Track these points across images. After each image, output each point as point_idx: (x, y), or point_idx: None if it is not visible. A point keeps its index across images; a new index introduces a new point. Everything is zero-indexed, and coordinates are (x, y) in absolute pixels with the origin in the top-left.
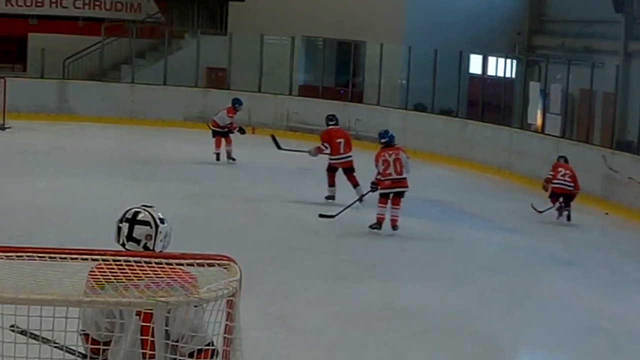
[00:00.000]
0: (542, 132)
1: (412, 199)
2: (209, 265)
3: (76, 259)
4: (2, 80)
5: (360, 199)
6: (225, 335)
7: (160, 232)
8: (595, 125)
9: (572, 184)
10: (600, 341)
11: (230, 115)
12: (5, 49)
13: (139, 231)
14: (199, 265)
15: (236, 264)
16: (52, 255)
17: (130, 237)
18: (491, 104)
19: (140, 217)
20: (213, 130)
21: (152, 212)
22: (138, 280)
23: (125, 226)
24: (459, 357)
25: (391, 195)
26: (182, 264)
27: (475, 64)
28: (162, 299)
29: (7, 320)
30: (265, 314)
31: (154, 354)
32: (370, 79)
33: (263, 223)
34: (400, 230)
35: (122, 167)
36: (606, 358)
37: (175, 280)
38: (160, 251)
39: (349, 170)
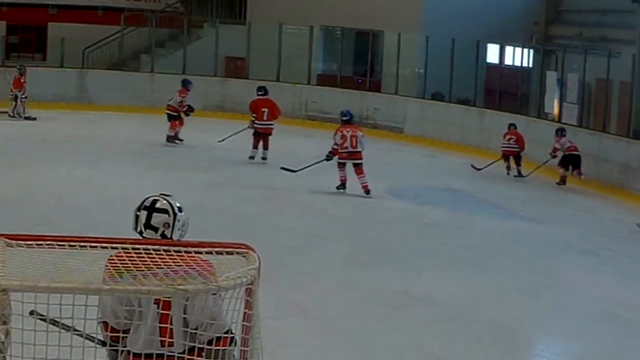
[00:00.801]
0: (559, 121)
1: (430, 188)
2: (228, 253)
3: (96, 247)
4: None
5: (320, 162)
6: (244, 323)
7: (178, 221)
8: (611, 115)
9: (517, 146)
10: (616, 328)
11: (182, 95)
12: (25, 38)
13: (157, 219)
14: (218, 253)
15: (255, 252)
16: (72, 244)
17: (148, 225)
18: (508, 93)
19: (158, 205)
20: (168, 114)
21: (170, 201)
22: (157, 268)
23: (143, 214)
24: (475, 345)
25: (352, 166)
26: (200, 252)
27: (492, 53)
28: (181, 287)
29: (28, 307)
30: (283, 302)
31: (172, 342)
32: (388, 69)
33: (282, 211)
34: (418, 218)
35: (142, 156)
36: (622, 345)
37: (194, 268)
38: (178, 240)
39: (267, 135)
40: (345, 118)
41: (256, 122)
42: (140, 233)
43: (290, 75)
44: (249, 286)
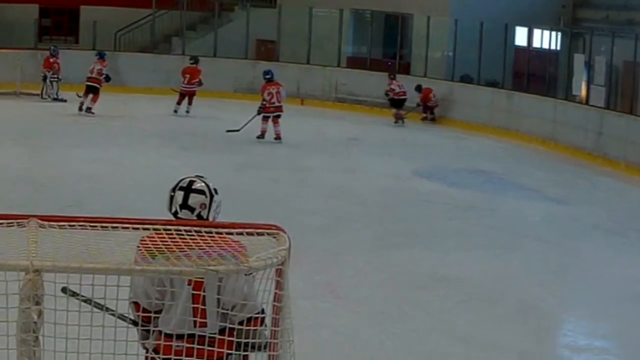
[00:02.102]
0: (587, 103)
1: (458, 169)
2: (259, 234)
3: (127, 228)
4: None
5: (254, 117)
6: (275, 303)
7: (214, 202)
8: (638, 97)
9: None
10: None
11: (104, 66)
12: (57, 21)
13: (194, 199)
14: (249, 234)
15: (285, 233)
16: (104, 225)
17: (185, 205)
18: (536, 75)
19: (196, 186)
20: (90, 86)
21: (207, 182)
22: (190, 249)
23: (180, 194)
24: (503, 325)
25: (271, 117)
26: (231, 234)
27: (520, 36)
28: (213, 267)
29: (60, 288)
30: (312, 283)
31: (205, 322)
32: (417, 51)
33: (311, 193)
34: (446, 199)
35: (173, 138)
36: None
37: (226, 249)
38: (208, 220)
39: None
40: (267, 76)
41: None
42: (175, 214)
43: (320, 58)
44: (280, 267)
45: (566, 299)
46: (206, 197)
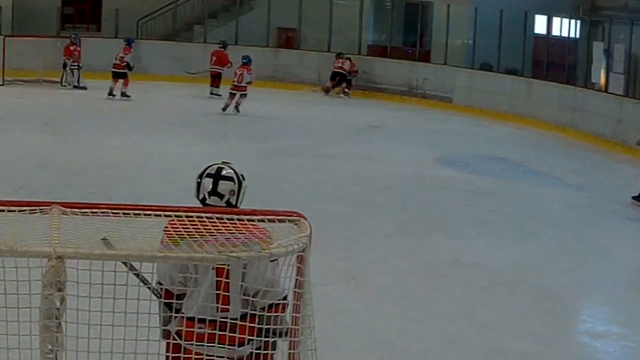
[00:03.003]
0: (606, 90)
1: (478, 156)
2: (280, 221)
3: (149, 215)
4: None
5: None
6: (296, 289)
7: (242, 188)
8: None
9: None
10: None
11: (126, 52)
12: (80, 9)
13: (223, 186)
14: (270, 221)
15: (306, 220)
16: (126, 212)
17: (214, 192)
18: (556, 63)
19: (224, 172)
20: (113, 72)
21: (234, 168)
22: (216, 235)
23: (208, 181)
24: (523, 311)
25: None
26: (253, 220)
27: (540, 24)
28: (234, 254)
29: (83, 275)
30: (334, 269)
31: (227, 308)
32: (438, 39)
33: (332, 180)
34: (466, 186)
35: (195, 125)
36: None
37: (250, 236)
38: (237, 207)
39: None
40: (244, 61)
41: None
42: (203, 200)
43: (341, 45)
44: (301, 253)
45: (585, 285)
46: (234, 183)
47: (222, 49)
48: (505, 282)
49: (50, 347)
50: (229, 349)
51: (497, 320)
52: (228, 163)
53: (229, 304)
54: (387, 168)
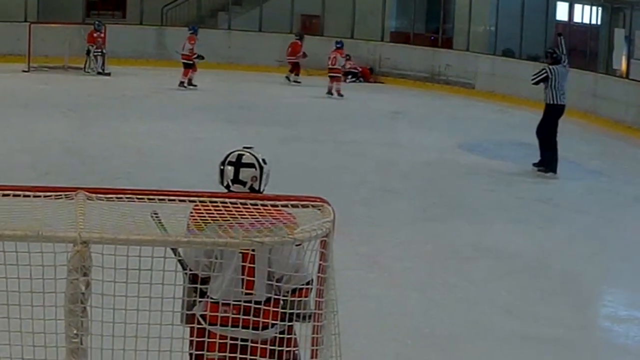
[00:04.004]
0: (627, 77)
1: (500, 142)
2: (303, 206)
3: (174, 200)
4: (104, 27)
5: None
6: (319, 274)
7: (264, 173)
8: None
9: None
10: None
11: (192, 42)
12: None
13: (244, 174)
14: (294, 206)
15: (329, 205)
16: (151, 197)
17: (236, 180)
18: (577, 49)
19: (244, 159)
20: (184, 63)
21: (255, 154)
22: (242, 219)
23: (230, 169)
24: (545, 296)
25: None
26: (276, 206)
27: (561, 11)
28: (258, 239)
29: (108, 260)
30: (356, 254)
31: (252, 292)
32: (460, 26)
33: (355, 165)
34: (489, 171)
35: (219, 111)
36: None
37: (276, 221)
38: (262, 192)
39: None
40: (337, 45)
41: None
42: (227, 187)
43: (364, 32)
44: (324, 238)
45: (607, 270)
46: (256, 169)
47: (297, 40)
48: (527, 267)
49: (75, 332)
50: (253, 332)
51: (519, 305)
52: (249, 148)
53: (253, 288)
54: (410, 154)
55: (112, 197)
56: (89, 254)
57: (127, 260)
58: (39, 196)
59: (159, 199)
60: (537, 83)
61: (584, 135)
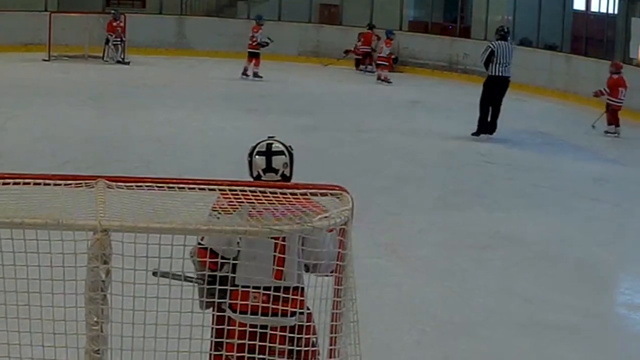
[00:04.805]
0: None
1: (518, 131)
2: (322, 194)
3: (193, 188)
4: (123, 16)
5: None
6: (338, 262)
7: (292, 159)
8: None
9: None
10: None
11: (255, 30)
12: None
13: (277, 162)
14: (313, 195)
15: (348, 193)
16: (170, 185)
17: (269, 169)
18: (594, 39)
19: (274, 148)
20: (249, 52)
21: (281, 142)
22: (266, 209)
23: (261, 159)
24: (562, 284)
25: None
26: (295, 194)
27: (579, 0)
28: (277, 227)
29: (128, 248)
30: (375, 242)
31: (282, 277)
32: (478, 15)
33: (374, 154)
34: (506, 160)
35: (238, 100)
36: None
37: (308, 209)
38: (291, 178)
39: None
40: (388, 35)
41: None
42: (258, 177)
43: (382, 21)
44: (343, 226)
45: (624, 257)
46: (286, 156)
47: (370, 31)
48: (544, 254)
49: (95, 319)
50: (273, 318)
51: (536, 292)
52: (273, 137)
53: (281, 277)
54: (428, 142)
55: (132, 186)
56: (109, 242)
57: (147, 248)
58: (59, 185)
59: (179, 187)
60: (487, 61)
61: (600, 124)
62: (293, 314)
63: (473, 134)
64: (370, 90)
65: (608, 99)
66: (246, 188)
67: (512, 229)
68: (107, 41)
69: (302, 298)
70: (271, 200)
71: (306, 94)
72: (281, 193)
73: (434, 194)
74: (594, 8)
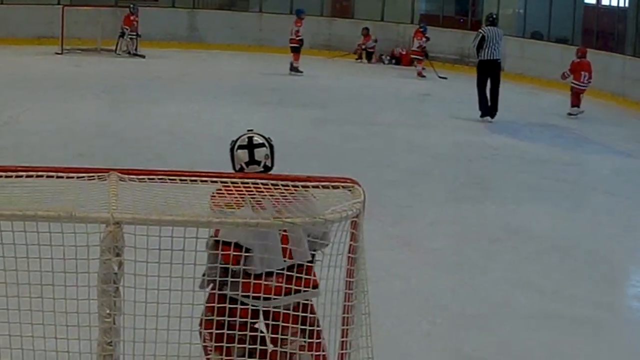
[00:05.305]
0: None
1: (529, 124)
2: (334, 187)
3: (206, 181)
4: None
5: None
6: (350, 254)
7: (273, 150)
8: None
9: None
10: None
11: (298, 25)
12: None
13: (259, 154)
14: (324, 187)
15: (360, 186)
16: (183, 178)
17: (252, 161)
18: (605, 32)
19: (255, 140)
20: (292, 47)
21: (262, 134)
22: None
23: (244, 152)
24: (574, 276)
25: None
26: (307, 187)
27: None
28: (290, 219)
29: (140, 240)
30: (386, 235)
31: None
32: (489, 8)
33: (385, 147)
34: (518, 153)
35: (250, 93)
36: None
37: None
38: (272, 168)
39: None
40: (421, 29)
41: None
42: (241, 170)
43: (394, 14)
44: (355, 219)
45: (635, 250)
46: (267, 148)
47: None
48: (556, 247)
49: (108, 312)
50: (286, 297)
51: (548, 285)
52: (252, 130)
53: (293, 254)
54: (439, 135)
55: (144, 178)
56: (122, 235)
57: (160, 240)
58: (72, 177)
59: (191, 180)
60: (478, 47)
61: (611, 118)
62: (295, 292)
63: (481, 117)
64: (382, 83)
65: (572, 82)
66: (258, 181)
67: (523, 222)
68: (122, 34)
69: (307, 277)
70: (272, 193)
71: (318, 87)
72: (292, 186)
73: (445, 186)
74: (605, 1)
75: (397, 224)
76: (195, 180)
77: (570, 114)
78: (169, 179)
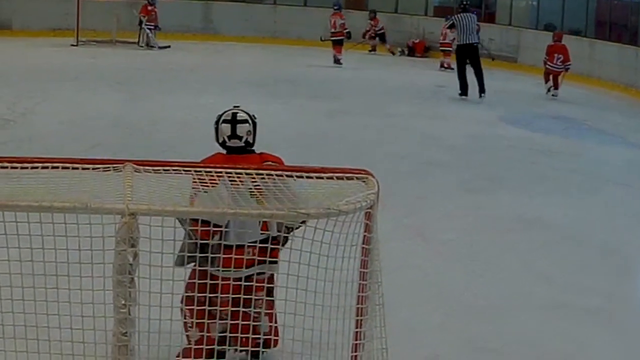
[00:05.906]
0: None
1: (542, 115)
2: (348, 178)
3: (220, 173)
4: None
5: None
6: (364, 245)
7: (255, 127)
8: None
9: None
10: None
11: (343, 18)
12: None
13: (241, 129)
14: (339, 178)
15: (374, 177)
16: (197, 169)
17: (234, 135)
18: (618, 24)
19: (239, 117)
20: (334, 40)
21: (246, 111)
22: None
23: (226, 127)
24: (586, 267)
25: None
26: (321, 178)
27: None
28: (303, 211)
29: (155, 231)
30: (401, 226)
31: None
32: (502, 0)
33: (400, 138)
34: (530, 144)
35: (264, 85)
36: None
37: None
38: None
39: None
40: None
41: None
42: (223, 143)
43: (408, 6)
44: (369, 210)
45: None
46: (250, 124)
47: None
48: (568, 238)
49: (123, 302)
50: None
51: (560, 275)
52: (238, 106)
53: (267, 229)
54: (453, 127)
55: (159, 170)
56: (137, 226)
57: (174, 231)
58: (88, 168)
59: (205, 171)
60: (449, 28)
61: (625, 109)
62: (258, 263)
63: (459, 95)
64: (396, 75)
65: (547, 65)
66: (263, 172)
67: (536, 213)
68: (140, 22)
69: (275, 247)
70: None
71: (332, 79)
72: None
73: (459, 177)
74: None
75: (411, 215)
76: (210, 172)
77: (548, 92)
78: (184, 170)
